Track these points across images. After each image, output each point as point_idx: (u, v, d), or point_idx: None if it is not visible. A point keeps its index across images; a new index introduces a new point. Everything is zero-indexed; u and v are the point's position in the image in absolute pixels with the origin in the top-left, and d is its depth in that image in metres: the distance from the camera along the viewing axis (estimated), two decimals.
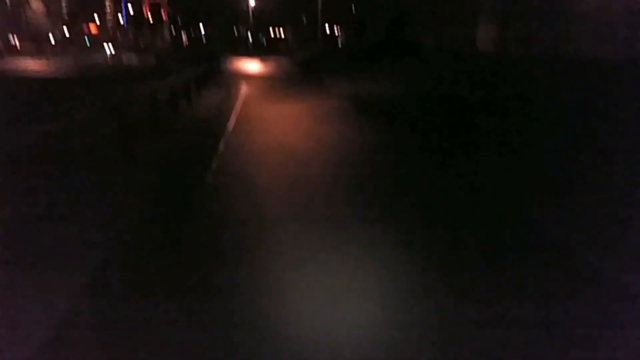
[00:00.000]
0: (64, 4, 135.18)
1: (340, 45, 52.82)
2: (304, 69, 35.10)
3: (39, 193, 6.87)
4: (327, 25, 55.97)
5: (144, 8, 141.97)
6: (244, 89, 23.29)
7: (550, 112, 12.77)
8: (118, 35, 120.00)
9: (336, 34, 55.61)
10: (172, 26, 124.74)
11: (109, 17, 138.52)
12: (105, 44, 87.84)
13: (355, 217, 6.19)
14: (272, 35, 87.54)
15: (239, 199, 6.98)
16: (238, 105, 17.10)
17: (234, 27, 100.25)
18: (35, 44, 61.78)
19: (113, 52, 69.99)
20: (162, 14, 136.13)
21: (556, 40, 18.82)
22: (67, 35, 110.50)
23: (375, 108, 16.15)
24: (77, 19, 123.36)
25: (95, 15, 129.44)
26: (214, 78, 27.51)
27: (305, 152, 9.93)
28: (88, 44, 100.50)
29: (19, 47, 63.63)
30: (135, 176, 7.94)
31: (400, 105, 16.31)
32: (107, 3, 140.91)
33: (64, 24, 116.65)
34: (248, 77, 30.97)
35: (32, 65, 43.71)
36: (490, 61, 21.38)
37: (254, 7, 74.36)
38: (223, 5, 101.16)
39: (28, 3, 63.19)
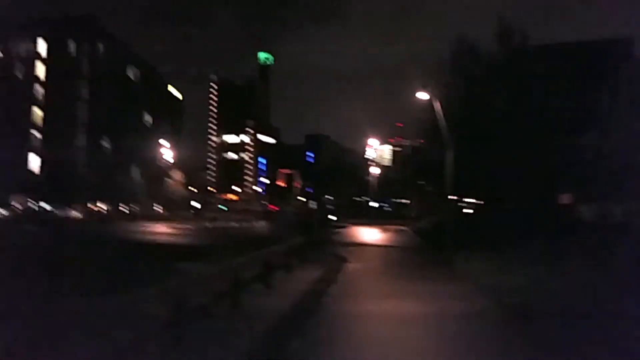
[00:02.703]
0: (208, 176, 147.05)
1: (471, 214, 46.53)
2: (428, 241, 29.28)
3: None
4: (454, 194, 50.77)
5: (279, 178, 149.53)
6: (349, 266, 17.91)
7: None
8: (255, 202, 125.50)
9: (465, 200, 49.69)
10: (302, 194, 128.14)
11: (248, 186, 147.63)
12: (239, 211, 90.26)
13: None
14: (396, 203, 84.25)
15: None
16: (329, 301, 11.49)
17: (360, 195, 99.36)
18: (172, 210, 63.48)
19: (246, 220, 70.34)
20: (295, 182, 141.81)
21: None
22: (208, 202, 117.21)
23: (538, 319, 9.66)
24: (219, 189, 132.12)
25: (236, 186, 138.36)
26: (319, 249, 22.70)
27: None
28: (225, 210, 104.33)
29: (161, 212, 65.98)
30: None
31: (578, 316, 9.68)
32: (249, 174, 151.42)
33: (207, 193, 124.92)
34: (361, 249, 25.78)
35: (162, 229, 43.03)
36: None
37: (379, 176, 72.41)
38: (349, 174, 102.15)
39: (169, 175, 66.74)
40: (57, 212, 57.77)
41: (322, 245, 24.65)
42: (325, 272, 15.78)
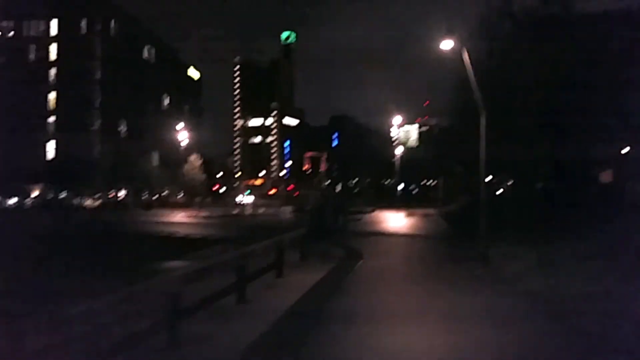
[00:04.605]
0: (236, 161, 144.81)
1: (502, 195, 42.38)
2: (456, 227, 25.56)
3: None
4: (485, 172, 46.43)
5: (304, 161, 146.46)
6: (361, 265, 14.45)
7: None
8: (280, 186, 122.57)
9: (496, 180, 45.26)
10: (328, 177, 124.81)
11: (273, 169, 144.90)
12: (259, 196, 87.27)
13: None
14: (423, 185, 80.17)
15: None
16: (319, 332, 7.92)
17: (386, 177, 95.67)
18: (191, 197, 60.92)
19: (266, 204, 67.63)
20: (321, 165, 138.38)
21: None
22: (235, 186, 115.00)
23: None
24: (244, 173, 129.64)
25: (264, 170, 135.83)
26: (331, 241, 19.30)
27: None
28: (248, 194, 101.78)
29: (177, 199, 63.61)
30: None
31: None
32: (275, 157, 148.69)
33: (233, 178, 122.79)
34: (381, 239, 22.23)
35: (175, 218, 40.44)
36: None
37: (406, 157, 68.26)
38: (375, 156, 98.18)
39: (185, 159, 63.93)
40: (71, 200, 55.90)
41: (336, 235, 21.31)
42: (328, 275, 12.38)
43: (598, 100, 27.57)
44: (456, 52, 14.81)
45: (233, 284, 9.39)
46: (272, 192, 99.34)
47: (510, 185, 42.23)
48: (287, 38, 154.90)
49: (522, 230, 19.20)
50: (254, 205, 66.82)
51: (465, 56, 13.48)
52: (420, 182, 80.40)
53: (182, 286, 7.31)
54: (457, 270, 13.43)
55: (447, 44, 13.40)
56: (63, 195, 55.78)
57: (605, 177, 34.36)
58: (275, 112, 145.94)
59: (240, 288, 9.40)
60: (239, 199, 75.09)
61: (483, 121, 13.97)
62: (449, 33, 13.61)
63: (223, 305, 8.75)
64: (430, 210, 40.76)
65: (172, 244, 20.55)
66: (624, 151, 31.76)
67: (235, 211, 51.57)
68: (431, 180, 79.97)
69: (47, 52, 59.87)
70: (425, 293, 10.43)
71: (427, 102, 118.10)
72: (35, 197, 54.95)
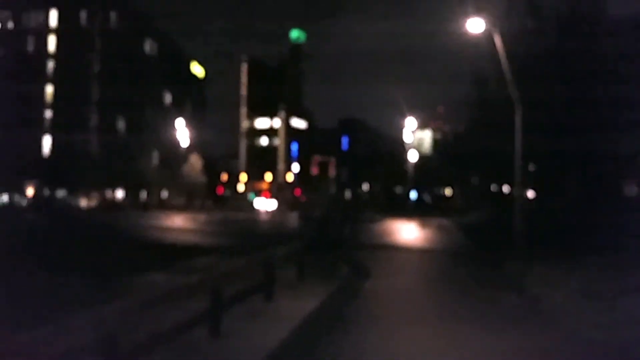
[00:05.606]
0: (241, 164, 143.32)
1: (521, 206, 40.08)
2: (478, 242, 23.42)
3: None
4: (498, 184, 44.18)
5: (312, 165, 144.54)
6: (368, 287, 12.52)
7: None
8: (285, 191, 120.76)
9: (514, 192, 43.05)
10: (337, 182, 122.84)
11: (280, 173, 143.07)
12: (265, 200, 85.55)
13: None
14: (437, 194, 77.94)
15: None
16: None
17: (397, 184, 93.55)
18: (190, 199, 59.25)
19: (272, 209, 65.99)
20: (329, 170, 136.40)
21: None
22: (241, 190, 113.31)
23: None
24: (250, 176, 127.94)
25: (269, 173, 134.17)
26: (336, 254, 17.29)
27: None
28: (252, 199, 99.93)
29: (176, 202, 61.90)
30: None
31: None
32: (280, 161, 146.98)
33: (237, 180, 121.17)
34: (392, 253, 20.20)
35: (173, 222, 38.67)
36: None
37: (418, 164, 66.20)
38: (386, 162, 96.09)
39: (185, 159, 62.21)
40: (68, 199, 54.43)
41: (343, 247, 19.29)
42: (328, 300, 10.40)
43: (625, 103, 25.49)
44: (481, 40, 12.92)
45: (204, 313, 7.52)
46: (267, 196, 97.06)
47: (534, 197, 39.98)
48: (298, 38, 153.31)
49: (553, 248, 17.20)
50: (262, 211, 65.05)
51: (497, 39, 11.53)
52: (432, 191, 78.21)
53: (123, 322, 5.44)
54: (487, 298, 11.36)
55: (475, 25, 11.39)
56: (60, 194, 54.36)
57: (629, 190, 31.91)
58: (282, 113, 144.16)
59: (213, 318, 7.50)
60: (257, 204, 73.17)
61: (519, 113, 11.99)
62: (477, 13, 11.66)
63: (191, 340, 6.89)
64: (445, 221, 38.63)
65: (159, 253, 18.67)
66: None
67: (239, 216, 49.79)
68: (445, 189, 77.80)
69: (46, 44, 58.59)
70: (451, 331, 8.43)
71: (441, 110, 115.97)
72: (32, 197, 53.57)
